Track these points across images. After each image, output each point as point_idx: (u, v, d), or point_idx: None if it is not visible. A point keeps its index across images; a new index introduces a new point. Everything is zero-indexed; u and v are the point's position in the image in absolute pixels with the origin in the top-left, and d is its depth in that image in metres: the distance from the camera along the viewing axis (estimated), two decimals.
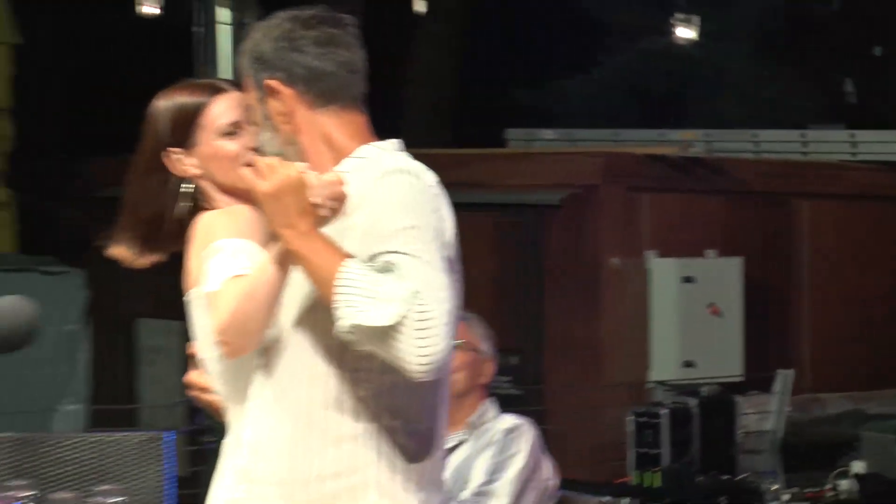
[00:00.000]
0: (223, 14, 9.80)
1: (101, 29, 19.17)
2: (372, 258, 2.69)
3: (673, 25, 17.21)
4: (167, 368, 11.19)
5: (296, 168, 2.75)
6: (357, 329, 2.61)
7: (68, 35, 18.47)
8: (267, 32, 2.86)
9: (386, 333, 2.61)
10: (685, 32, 17.23)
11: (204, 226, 3.02)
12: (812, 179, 11.78)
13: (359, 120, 2.89)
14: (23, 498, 4.59)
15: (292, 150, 2.88)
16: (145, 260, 3.17)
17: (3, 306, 2.54)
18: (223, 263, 2.89)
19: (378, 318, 2.60)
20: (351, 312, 2.62)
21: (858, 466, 9.65)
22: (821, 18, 19.00)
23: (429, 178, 2.84)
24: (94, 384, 11.28)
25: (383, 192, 2.78)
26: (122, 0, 16.58)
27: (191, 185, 3.09)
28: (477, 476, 4.54)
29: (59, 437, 6.04)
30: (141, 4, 14.24)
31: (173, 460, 5.27)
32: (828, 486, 9.53)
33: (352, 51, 2.86)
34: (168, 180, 3.15)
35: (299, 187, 2.69)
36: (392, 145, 2.90)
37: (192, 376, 3.12)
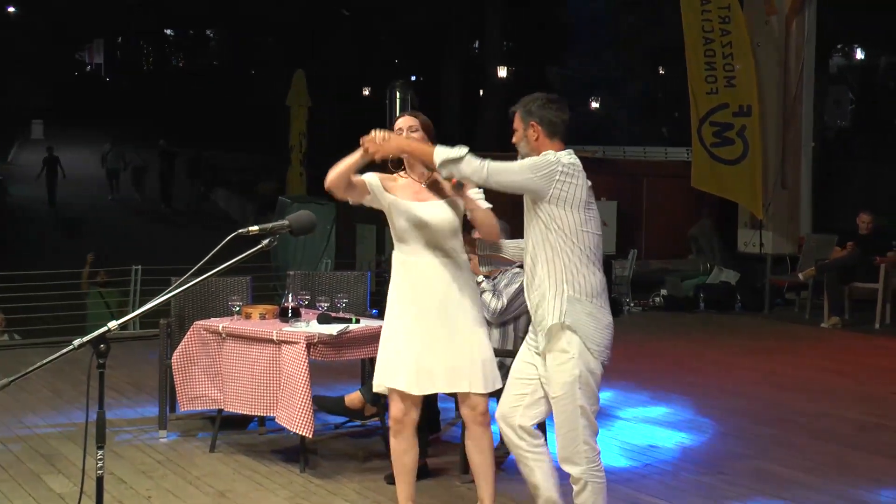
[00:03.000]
0: (398, 94, 14.34)
1: (353, 106, 27.92)
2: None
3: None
4: (369, 245, 14.95)
5: (395, 136, 4.08)
6: (444, 161, 3.68)
7: (335, 103, 26.66)
8: (534, 100, 3.92)
9: (456, 162, 3.69)
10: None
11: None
12: (648, 168, 15.48)
13: (560, 145, 3.98)
14: (306, 298, 5.96)
15: (528, 152, 3.88)
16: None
17: (304, 214, 3.41)
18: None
19: (452, 153, 3.76)
20: (440, 154, 3.76)
21: (663, 292, 12.97)
22: None
23: (565, 159, 3.77)
24: (335, 251, 15.74)
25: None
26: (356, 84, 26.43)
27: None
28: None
29: (322, 273, 7.50)
30: (364, 90, 20.93)
31: (369, 283, 6.92)
32: (649, 300, 12.73)
33: (565, 113, 3.94)
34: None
35: (399, 141, 4.00)
36: (568, 151, 3.87)
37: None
